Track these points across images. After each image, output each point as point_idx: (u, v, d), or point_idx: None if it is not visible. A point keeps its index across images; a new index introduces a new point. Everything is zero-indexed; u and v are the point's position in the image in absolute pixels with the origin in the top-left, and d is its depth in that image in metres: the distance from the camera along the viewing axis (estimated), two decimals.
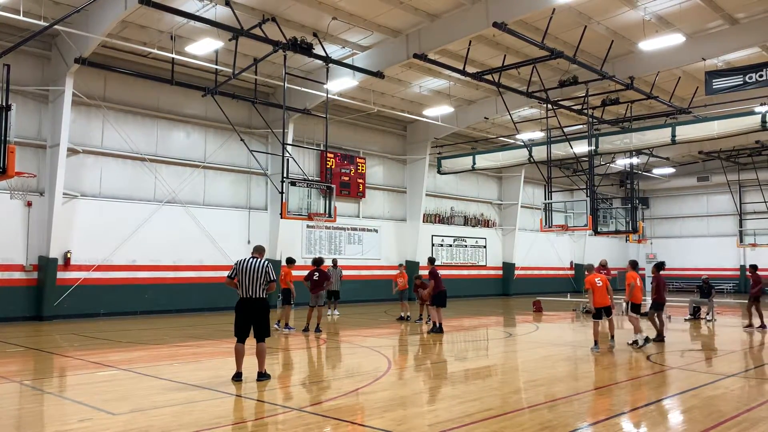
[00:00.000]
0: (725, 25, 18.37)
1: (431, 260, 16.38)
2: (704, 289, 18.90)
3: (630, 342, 12.31)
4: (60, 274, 18.37)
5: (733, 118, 20.84)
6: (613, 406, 7.71)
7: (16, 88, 17.03)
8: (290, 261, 16.47)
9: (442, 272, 15.94)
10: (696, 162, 35.46)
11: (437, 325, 15.13)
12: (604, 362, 10.97)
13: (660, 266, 14.02)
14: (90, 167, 19.51)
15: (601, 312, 12.13)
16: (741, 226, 35.34)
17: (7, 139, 9.28)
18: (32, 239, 18.10)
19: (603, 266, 18.46)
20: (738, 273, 38.38)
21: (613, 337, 12.39)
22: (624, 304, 14.13)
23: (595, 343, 12.11)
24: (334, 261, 20.17)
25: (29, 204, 18.00)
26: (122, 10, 15.21)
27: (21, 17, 14.70)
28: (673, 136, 21.74)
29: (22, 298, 17.88)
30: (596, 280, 12.15)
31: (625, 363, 10.82)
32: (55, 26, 14.96)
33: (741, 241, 34.82)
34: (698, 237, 40.09)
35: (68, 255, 18.61)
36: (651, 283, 14.48)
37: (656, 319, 13.57)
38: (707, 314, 18.49)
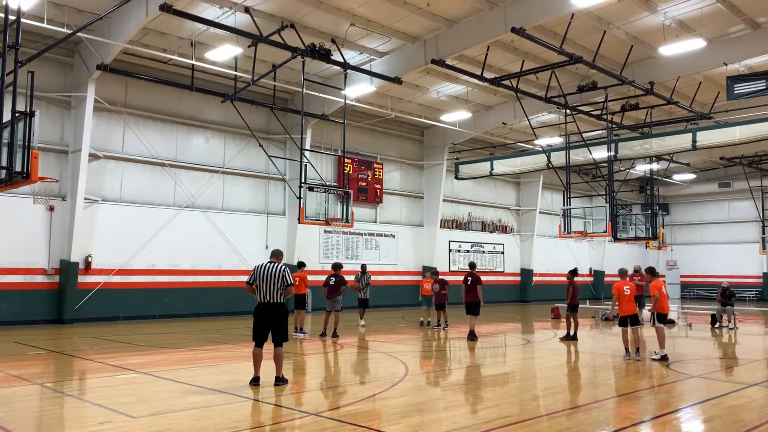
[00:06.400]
0: (747, 29, 18.14)
1: (471, 265, 16.22)
2: (725, 296, 18.61)
3: (654, 357, 11.89)
4: (81, 278, 18.60)
5: (756, 123, 20.56)
6: (632, 414, 7.61)
7: (39, 94, 17.35)
8: (301, 265, 16.36)
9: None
10: (717, 168, 35.02)
11: (468, 331, 15.06)
12: (623, 370, 10.85)
13: (574, 272, 15.36)
14: (111, 172, 19.75)
15: (627, 320, 11.97)
16: (764, 233, 34.79)
17: (31, 144, 9.40)
18: (54, 243, 18.36)
19: (636, 271, 18.35)
20: (761, 280, 37.79)
21: (638, 350, 12.11)
22: (650, 315, 13.71)
23: (626, 350, 11.96)
24: (363, 266, 18.46)
25: (51, 208, 18.27)
26: (143, 18, 15.42)
27: (45, 24, 14.97)
28: (694, 141, 21.50)
29: (43, 302, 18.13)
30: (625, 288, 11.97)
31: (645, 371, 10.69)
32: (78, 33, 15.19)
33: (764, 248, 34.27)
34: (720, 244, 39.53)
35: (89, 259, 18.84)
36: (568, 288, 15.32)
37: (572, 320, 15.10)
38: (729, 322, 18.23)
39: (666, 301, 11.99)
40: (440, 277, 18.19)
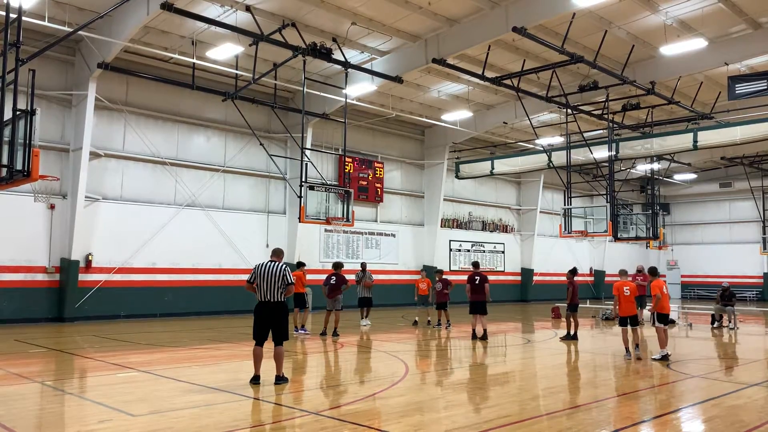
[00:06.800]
0: (748, 29, 18.14)
1: (475, 264, 16.07)
2: (725, 296, 18.63)
3: (654, 357, 11.90)
4: (81, 276, 18.61)
5: (757, 123, 20.55)
6: (633, 414, 7.62)
7: (40, 92, 17.35)
8: (300, 264, 16.43)
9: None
10: (718, 168, 34.99)
11: (483, 332, 14.90)
12: (623, 370, 10.85)
13: (574, 272, 15.39)
14: (112, 171, 19.76)
15: (626, 320, 11.97)
16: (764, 233, 34.77)
17: (32, 142, 9.39)
18: (55, 241, 18.38)
19: (639, 271, 18.35)
20: (761, 281, 37.78)
21: (637, 345, 12.16)
22: (650, 315, 13.65)
23: (627, 350, 11.97)
24: (363, 265, 18.57)
25: (52, 207, 18.27)
26: (144, 16, 15.42)
27: (46, 23, 14.96)
28: (695, 141, 21.49)
29: (44, 300, 18.14)
30: (624, 288, 11.98)
31: (645, 371, 10.69)
32: (79, 32, 15.19)
33: (764, 248, 34.24)
34: (720, 244, 39.51)
35: (90, 257, 18.85)
36: (567, 288, 15.35)
37: (572, 320, 15.11)
38: (729, 322, 18.22)
39: (667, 301, 11.94)
40: (444, 276, 18.07)
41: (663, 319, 11.83)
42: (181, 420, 6.83)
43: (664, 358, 11.48)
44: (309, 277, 16.58)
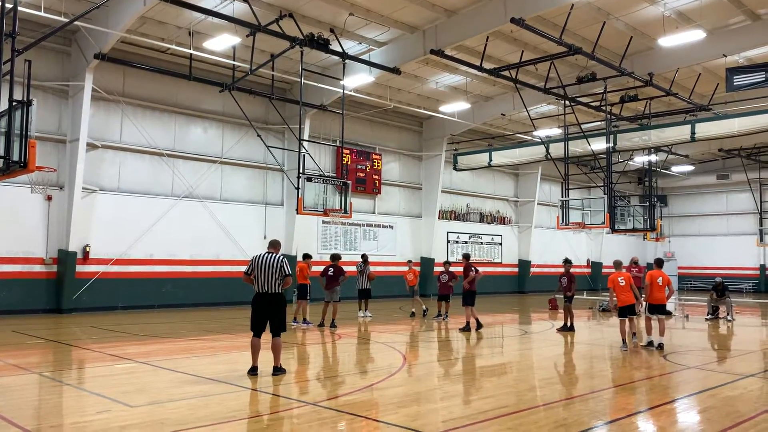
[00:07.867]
0: (747, 21, 18.10)
1: (465, 256, 15.95)
2: (719, 290, 18.74)
3: (642, 344, 12.02)
4: (79, 268, 18.60)
5: (754, 115, 20.57)
6: (629, 404, 7.65)
7: (36, 83, 17.21)
8: (307, 256, 16.50)
9: (456, 269, 15.78)
10: (716, 160, 35.03)
11: (476, 322, 14.92)
12: (620, 361, 10.90)
13: (569, 262, 15.53)
14: (109, 162, 19.71)
15: (626, 311, 12.03)
16: (761, 225, 34.85)
17: (28, 133, 9.37)
18: (52, 233, 18.35)
19: (635, 263, 18.38)
20: (758, 272, 37.89)
21: (634, 334, 12.24)
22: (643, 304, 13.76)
23: (623, 342, 12.03)
24: (364, 256, 18.49)
25: (49, 198, 18.24)
26: (141, 6, 15.36)
27: (42, 13, 14.89)
28: (693, 133, 21.50)
29: (41, 291, 18.14)
30: (619, 279, 12.04)
31: (641, 362, 10.74)
32: (75, 22, 15.11)
33: (761, 240, 34.33)
34: (717, 236, 39.60)
35: (87, 249, 18.83)
36: (570, 280, 15.32)
37: (568, 311, 15.20)
38: (727, 314, 18.30)
39: (660, 292, 12.02)
40: (451, 269, 17.95)
41: (652, 309, 12.12)
42: (178, 410, 6.85)
43: (650, 345, 11.82)
44: (309, 268, 16.58)
